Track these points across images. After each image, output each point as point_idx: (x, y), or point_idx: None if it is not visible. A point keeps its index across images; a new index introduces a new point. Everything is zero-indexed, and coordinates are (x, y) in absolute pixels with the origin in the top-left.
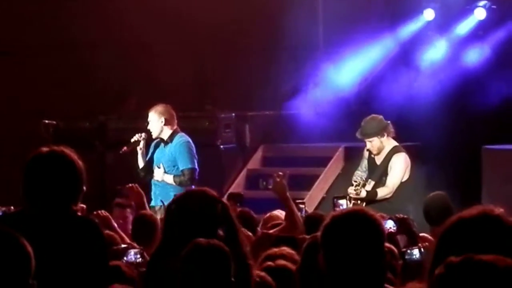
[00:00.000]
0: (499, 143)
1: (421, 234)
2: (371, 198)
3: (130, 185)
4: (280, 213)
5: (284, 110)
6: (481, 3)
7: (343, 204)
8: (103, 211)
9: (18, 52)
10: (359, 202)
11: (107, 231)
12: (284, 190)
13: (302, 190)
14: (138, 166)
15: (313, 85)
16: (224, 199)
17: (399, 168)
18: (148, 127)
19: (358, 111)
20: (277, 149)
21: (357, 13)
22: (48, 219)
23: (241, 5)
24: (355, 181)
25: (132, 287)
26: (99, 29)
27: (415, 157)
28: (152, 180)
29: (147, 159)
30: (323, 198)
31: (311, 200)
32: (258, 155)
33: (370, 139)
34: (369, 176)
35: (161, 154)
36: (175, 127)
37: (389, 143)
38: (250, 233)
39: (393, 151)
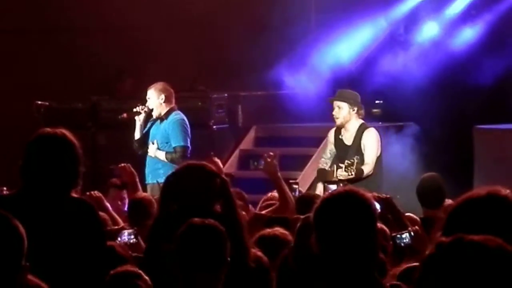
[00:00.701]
0: (490, 122)
1: (406, 214)
2: (359, 176)
3: (123, 164)
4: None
5: (276, 90)
6: None
7: (334, 188)
8: (96, 192)
9: (12, 33)
10: (346, 183)
11: (101, 213)
12: (275, 170)
13: (295, 170)
14: (134, 137)
15: (306, 65)
16: None
17: (373, 143)
18: (147, 104)
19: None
20: (270, 129)
21: None
22: (45, 201)
23: None
24: (346, 163)
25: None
26: (95, 13)
27: (408, 137)
28: (147, 156)
29: (143, 133)
30: (315, 179)
31: (304, 180)
32: (251, 135)
33: (342, 104)
34: (343, 158)
35: (156, 131)
36: (172, 105)
37: (357, 121)
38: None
39: (362, 128)
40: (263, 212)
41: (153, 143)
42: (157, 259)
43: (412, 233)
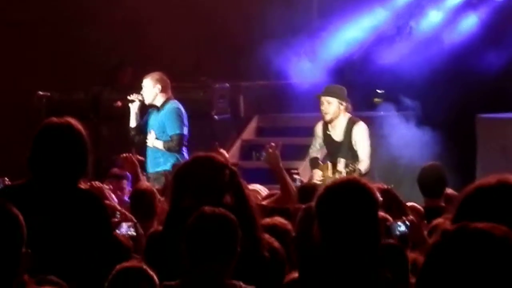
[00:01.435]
0: (493, 111)
1: (409, 204)
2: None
3: (125, 155)
4: (258, 188)
5: (278, 80)
6: None
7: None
8: (97, 182)
9: (13, 25)
10: None
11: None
12: (277, 161)
13: (296, 160)
14: (129, 125)
15: (308, 55)
16: None
17: (365, 138)
18: (142, 93)
19: (352, 80)
20: (272, 119)
21: None
22: (53, 192)
23: None
24: (347, 170)
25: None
26: (95, 4)
27: (410, 126)
28: (147, 147)
29: (142, 122)
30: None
31: (305, 170)
32: (253, 125)
33: (331, 99)
34: (335, 155)
35: (154, 121)
36: (169, 95)
37: (345, 116)
38: None
39: (351, 122)
40: (264, 202)
41: (150, 133)
42: (172, 252)
43: (407, 222)
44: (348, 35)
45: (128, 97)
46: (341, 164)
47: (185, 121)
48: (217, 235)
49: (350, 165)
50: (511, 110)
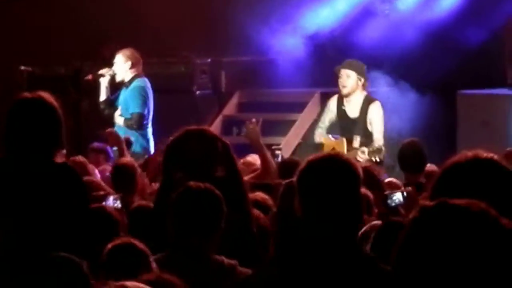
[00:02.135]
0: (473, 88)
1: (388, 180)
2: (381, 159)
3: (109, 130)
4: (253, 158)
5: (260, 55)
6: None
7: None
8: (80, 156)
9: None
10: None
11: (86, 177)
12: (257, 136)
13: (278, 136)
14: (99, 99)
15: (289, 30)
16: None
17: (381, 117)
18: (113, 68)
19: (334, 56)
20: (253, 95)
21: None
22: (28, 166)
23: None
24: (370, 149)
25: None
26: None
27: (391, 103)
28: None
29: (112, 97)
30: (299, 144)
31: (287, 146)
32: (234, 100)
33: (350, 73)
34: (349, 131)
35: (121, 98)
36: (138, 72)
37: (362, 93)
38: None
39: (367, 101)
40: (246, 178)
41: (118, 110)
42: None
43: (404, 193)
44: (330, 11)
45: (99, 72)
46: (356, 141)
47: (148, 101)
48: (201, 209)
49: (375, 144)
50: (492, 86)
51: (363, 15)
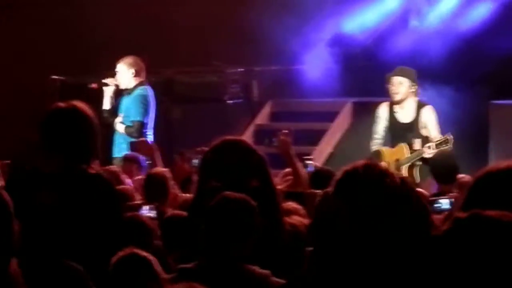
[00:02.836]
0: (506, 98)
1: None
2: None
3: (142, 139)
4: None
5: (292, 65)
6: None
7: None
8: (113, 166)
9: (24, 6)
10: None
11: (121, 186)
12: (288, 147)
13: (309, 145)
14: (103, 107)
15: (320, 40)
16: None
17: (435, 120)
18: (116, 78)
19: (366, 66)
20: (285, 104)
21: None
22: (62, 176)
23: None
24: (437, 141)
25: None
26: None
27: None
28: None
29: (115, 104)
30: (330, 154)
31: (318, 155)
32: (266, 110)
33: (403, 80)
34: (401, 137)
35: (123, 105)
36: (141, 79)
37: (414, 99)
38: None
39: (419, 105)
40: (279, 187)
41: (119, 117)
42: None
43: (453, 200)
44: (362, 20)
45: (103, 80)
46: (416, 144)
47: (150, 109)
48: (236, 219)
49: (445, 136)
50: None
51: (394, 26)
